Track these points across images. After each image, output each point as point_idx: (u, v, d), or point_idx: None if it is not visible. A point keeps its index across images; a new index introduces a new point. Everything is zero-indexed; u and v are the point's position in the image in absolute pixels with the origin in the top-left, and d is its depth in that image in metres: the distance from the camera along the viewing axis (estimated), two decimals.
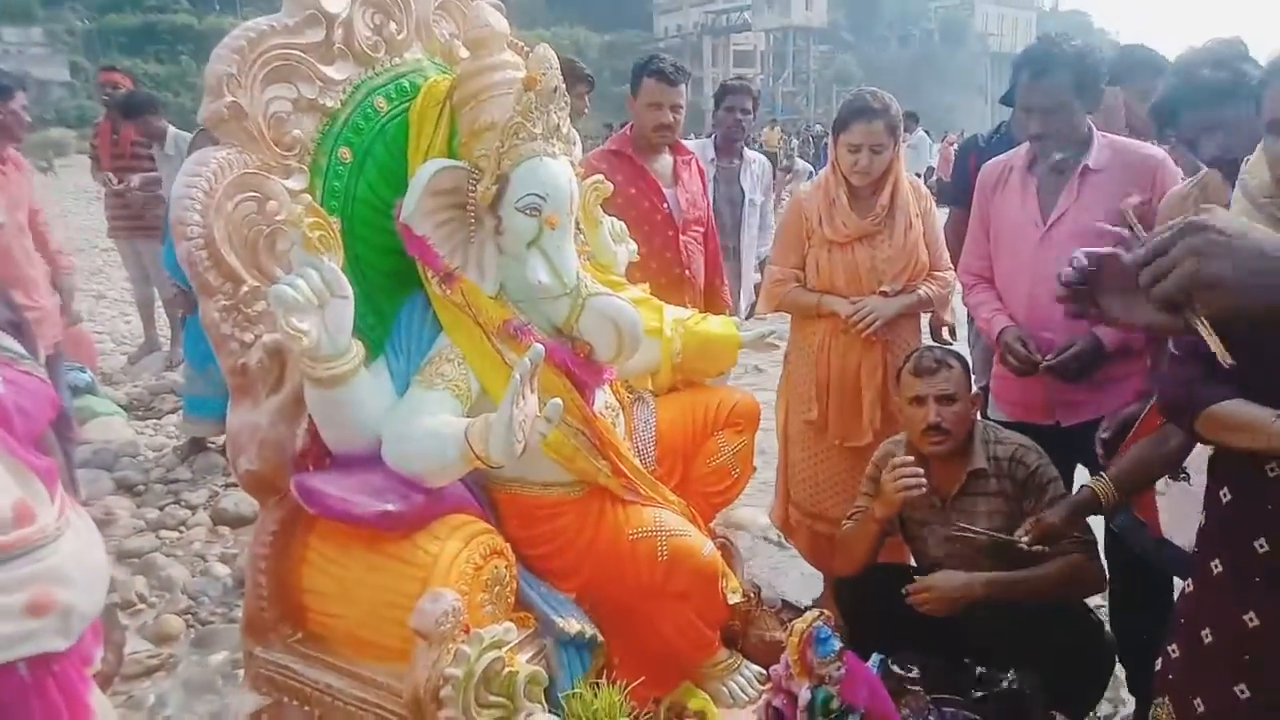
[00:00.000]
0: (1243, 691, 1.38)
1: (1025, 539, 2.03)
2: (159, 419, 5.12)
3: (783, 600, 2.39)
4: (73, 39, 44.33)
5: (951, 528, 2.22)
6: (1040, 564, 2.11)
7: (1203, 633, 1.47)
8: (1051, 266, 2.31)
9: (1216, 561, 1.45)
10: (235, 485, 3.73)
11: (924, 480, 2.15)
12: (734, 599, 2.10)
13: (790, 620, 2.03)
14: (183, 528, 3.73)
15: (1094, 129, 2.40)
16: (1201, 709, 1.45)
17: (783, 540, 3.34)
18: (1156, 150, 2.40)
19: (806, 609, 2.08)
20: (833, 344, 2.80)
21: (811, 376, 2.85)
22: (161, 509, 3.87)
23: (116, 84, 5.81)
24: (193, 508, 3.90)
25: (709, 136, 4.19)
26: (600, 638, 1.96)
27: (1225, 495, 1.43)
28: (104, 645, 1.42)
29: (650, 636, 2.04)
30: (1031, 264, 2.41)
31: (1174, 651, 1.55)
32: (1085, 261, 1.12)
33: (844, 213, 2.73)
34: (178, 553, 3.52)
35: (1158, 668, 1.59)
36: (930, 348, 2.36)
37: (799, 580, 3.28)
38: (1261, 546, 1.36)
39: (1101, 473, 2.01)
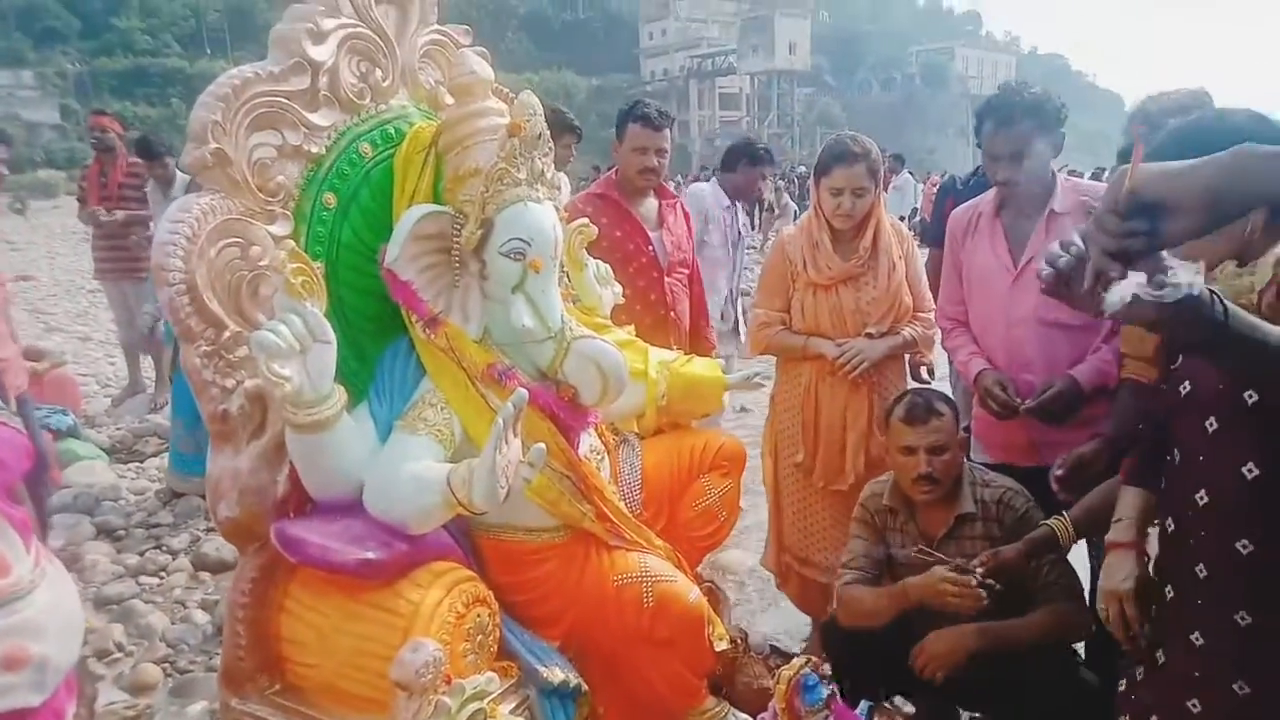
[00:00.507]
0: (1195, 706, 1.49)
1: (979, 570, 2.03)
2: (141, 462, 5.06)
3: (770, 646, 2.36)
4: (64, 82, 44.60)
5: (913, 549, 2.21)
6: (1024, 607, 2.10)
7: (1157, 654, 1.57)
8: (1025, 310, 2.37)
9: (1169, 587, 1.56)
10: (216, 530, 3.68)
11: (984, 602, 2.07)
12: (721, 646, 2.08)
13: (778, 667, 2.01)
14: (163, 573, 3.67)
15: (1055, 174, 2.45)
16: None
17: (772, 583, 3.31)
18: (1099, 185, 2.46)
19: (794, 656, 2.07)
20: (819, 386, 2.80)
21: (799, 419, 2.84)
22: (142, 554, 3.80)
23: (105, 128, 5.84)
24: (174, 553, 3.83)
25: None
26: (585, 687, 1.93)
27: (1170, 525, 1.54)
28: (76, 699, 1.39)
29: (636, 685, 2.01)
30: (1005, 308, 2.44)
31: (1138, 675, 1.63)
32: (1061, 260, 1.13)
33: (827, 255, 2.76)
34: (157, 599, 3.45)
35: (1120, 688, 1.67)
36: (919, 392, 2.37)
37: (786, 625, 3.24)
38: (1201, 571, 1.47)
39: (1063, 511, 2.03)
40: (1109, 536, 1.72)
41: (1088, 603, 2.15)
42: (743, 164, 4.19)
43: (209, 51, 50.39)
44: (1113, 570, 1.67)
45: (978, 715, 2.47)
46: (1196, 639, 1.48)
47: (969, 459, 2.47)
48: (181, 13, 54.57)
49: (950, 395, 2.44)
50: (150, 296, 5.42)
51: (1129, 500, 1.71)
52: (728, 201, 4.14)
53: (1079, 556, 2.21)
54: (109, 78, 45.53)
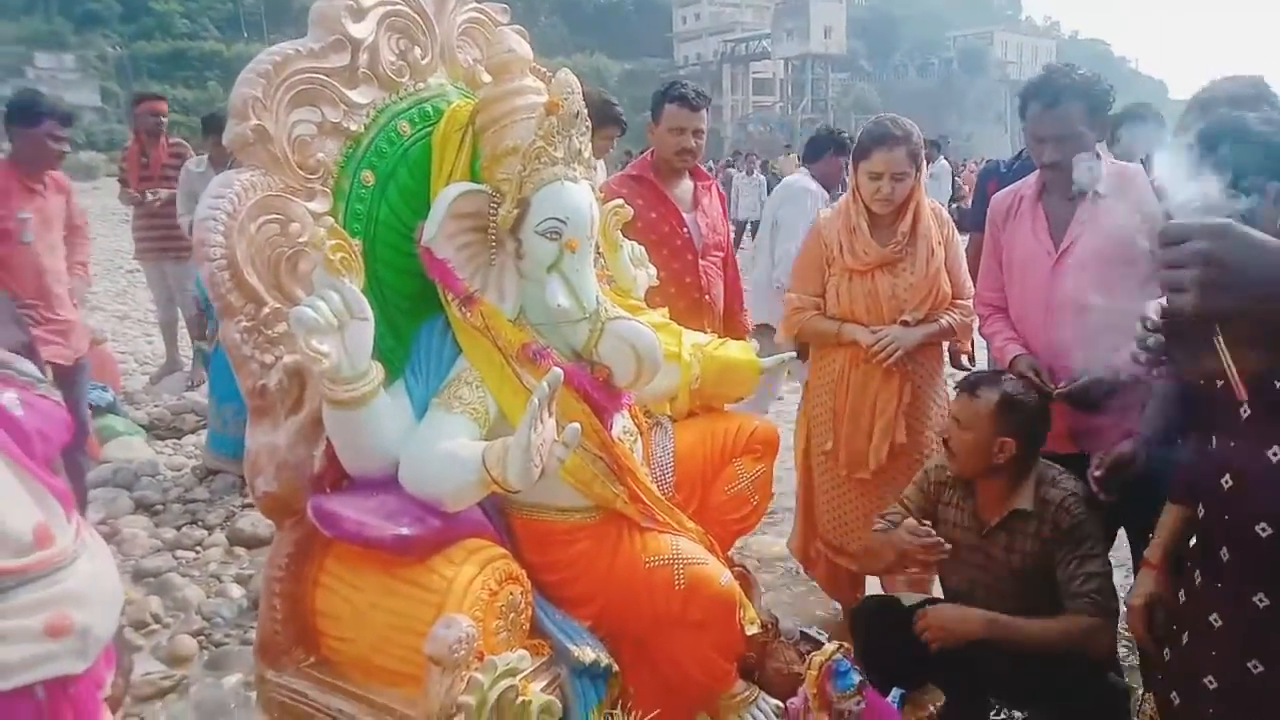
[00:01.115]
0: (1211, 682, 1.52)
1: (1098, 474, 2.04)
2: (179, 439, 5.15)
3: (801, 632, 2.34)
4: (104, 65, 45.26)
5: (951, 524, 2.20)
6: (1057, 610, 2.07)
7: (1182, 636, 1.60)
8: (1065, 295, 2.32)
9: (1196, 572, 1.59)
10: (252, 506, 3.74)
11: (945, 552, 2.12)
12: (751, 630, 2.07)
13: (808, 653, 1.99)
14: (199, 548, 3.74)
15: (1100, 156, 2.39)
16: (1178, 702, 1.60)
17: (800, 570, 3.30)
18: (1132, 166, 2.39)
19: (825, 641, 2.05)
20: (852, 373, 2.76)
21: (830, 406, 2.82)
22: (179, 529, 3.87)
23: (156, 111, 5.89)
24: (209, 528, 3.90)
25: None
26: (615, 667, 1.93)
27: (1200, 511, 1.56)
28: (115, 669, 1.42)
29: (666, 667, 2.01)
30: (1045, 293, 2.40)
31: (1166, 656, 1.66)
32: (1154, 321, 1.13)
33: (865, 240, 2.72)
34: (193, 573, 3.52)
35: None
36: (979, 373, 2.35)
37: (816, 611, 3.23)
38: (1224, 554, 1.52)
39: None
40: (1145, 552, 1.75)
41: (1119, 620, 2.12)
42: (829, 153, 4.24)
43: (246, 35, 50.79)
44: (1135, 586, 1.78)
45: (1012, 713, 2.45)
46: (1215, 620, 1.52)
47: None
48: None
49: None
50: (189, 276, 5.50)
51: (1165, 520, 1.74)
52: (826, 193, 4.09)
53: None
54: (148, 60, 46.09)
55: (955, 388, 2.27)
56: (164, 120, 5.82)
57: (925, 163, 2.81)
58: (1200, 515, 1.58)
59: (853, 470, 2.77)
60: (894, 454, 2.72)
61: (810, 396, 2.95)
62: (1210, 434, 1.53)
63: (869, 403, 2.75)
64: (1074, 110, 2.29)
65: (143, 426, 5.16)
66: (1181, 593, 1.64)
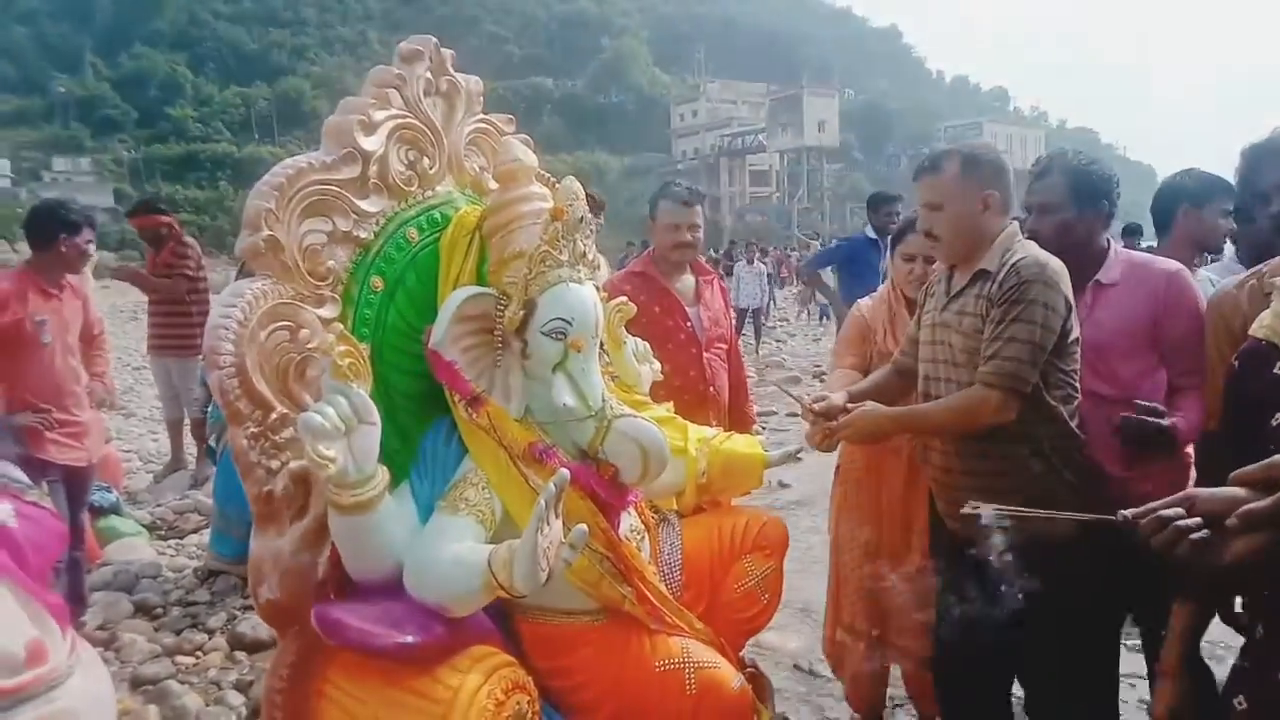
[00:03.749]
0: None
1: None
2: (181, 539, 5.09)
3: None
4: (119, 168, 46.64)
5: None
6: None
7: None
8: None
9: None
10: (254, 608, 3.67)
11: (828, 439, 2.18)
12: None
13: None
14: (199, 653, 3.65)
15: (1111, 244, 2.39)
16: None
17: (812, 669, 3.21)
18: (1170, 263, 2.36)
19: None
20: (883, 459, 2.73)
21: (861, 492, 2.78)
22: (179, 633, 3.79)
23: (143, 227, 6.03)
24: (210, 631, 3.82)
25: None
26: None
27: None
28: None
29: None
30: None
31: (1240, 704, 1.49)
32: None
33: (903, 327, 2.73)
34: (193, 679, 3.43)
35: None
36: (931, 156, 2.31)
37: (829, 712, 3.13)
38: None
39: None
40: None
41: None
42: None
43: (257, 136, 52.54)
44: (1155, 699, 1.71)
45: None
46: None
47: None
48: (233, 101, 57.12)
49: None
50: (195, 375, 5.54)
51: (1177, 621, 1.67)
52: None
53: None
54: (162, 163, 47.54)
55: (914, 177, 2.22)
56: (163, 229, 5.93)
57: None
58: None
59: (895, 565, 2.69)
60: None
61: (840, 482, 2.91)
62: None
63: (899, 489, 2.69)
64: (1055, 183, 2.33)
65: (145, 526, 5.11)
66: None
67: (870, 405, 2.18)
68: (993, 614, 2.05)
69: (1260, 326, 1.49)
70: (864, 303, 2.96)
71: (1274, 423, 1.36)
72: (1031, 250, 2.12)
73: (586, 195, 3.74)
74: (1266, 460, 1.15)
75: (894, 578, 2.64)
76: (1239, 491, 1.17)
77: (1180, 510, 1.18)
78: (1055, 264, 2.07)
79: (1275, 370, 1.41)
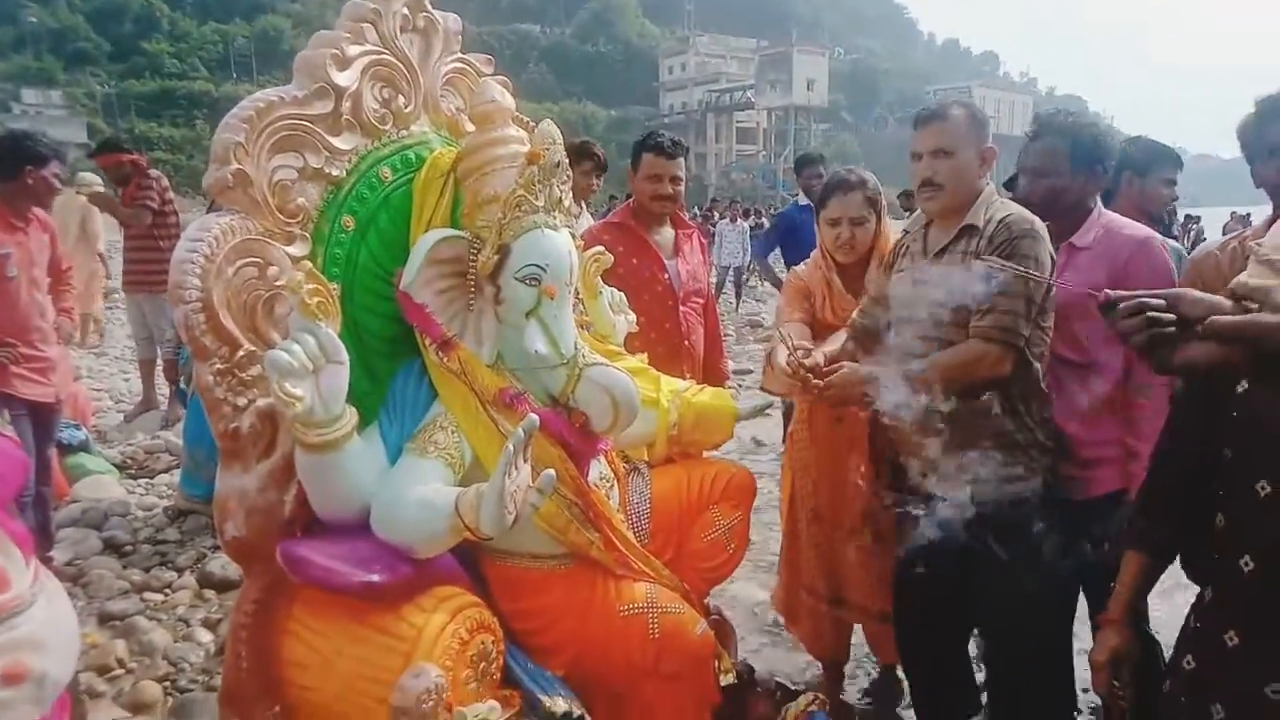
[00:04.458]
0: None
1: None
2: (151, 478, 5.07)
3: (776, 682, 2.32)
4: (92, 102, 45.43)
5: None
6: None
7: (1213, 709, 1.44)
8: None
9: (1231, 634, 1.43)
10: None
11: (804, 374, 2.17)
12: (726, 680, 2.05)
13: (784, 703, 1.98)
14: (168, 590, 3.66)
15: (1099, 208, 2.36)
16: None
17: (780, 620, 3.27)
18: (1141, 231, 2.33)
19: (800, 692, 2.03)
20: (817, 420, 2.75)
21: (811, 457, 2.80)
22: (147, 570, 3.80)
23: (106, 167, 5.89)
24: (180, 570, 3.82)
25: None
26: (588, 718, 1.90)
27: (1247, 564, 1.40)
28: (69, 716, 1.39)
29: (639, 718, 1.98)
30: None
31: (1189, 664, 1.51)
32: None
33: (839, 296, 2.73)
34: (161, 616, 3.44)
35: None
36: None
37: (792, 663, 3.20)
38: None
39: None
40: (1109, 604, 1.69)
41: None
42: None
43: (235, 76, 51.29)
44: (1097, 642, 1.68)
45: None
46: (1231, 638, 1.41)
47: None
48: (210, 38, 55.64)
49: None
50: (166, 313, 5.47)
51: (1126, 571, 1.65)
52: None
53: None
54: (136, 99, 46.36)
55: (914, 124, 2.21)
56: (127, 166, 5.80)
57: (885, 210, 2.82)
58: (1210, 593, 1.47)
59: (837, 525, 2.73)
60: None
61: (793, 445, 2.93)
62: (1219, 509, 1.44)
63: (839, 456, 2.70)
64: (1054, 146, 2.28)
65: (115, 465, 5.09)
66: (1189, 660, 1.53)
67: (850, 366, 2.18)
68: (952, 565, 2.09)
69: (1234, 285, 1.50)
70: (798, 269, 2.93)
71: (1239, 389, 1.37)
72: (1013, 207, 2.13)
73: (589, 152, 3.73)
74: (1269, 284, 1.14)
75: (846, 538, 2.69)
76: (1224, 302, 1.16)
77: (1162, 302, 1.17)
78: (1039, 220, 2.08)
79: None
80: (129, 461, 5.27)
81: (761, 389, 2.75)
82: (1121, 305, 1.19)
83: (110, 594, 3.55)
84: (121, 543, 4.04)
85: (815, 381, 2.18)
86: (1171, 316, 1.16)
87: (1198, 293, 1.19)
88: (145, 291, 5.85)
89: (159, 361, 6.09)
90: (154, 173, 5.89)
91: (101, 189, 5.82)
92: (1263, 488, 1.33)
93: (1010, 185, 3.21)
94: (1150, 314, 1.16)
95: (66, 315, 3.92)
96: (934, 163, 2.14)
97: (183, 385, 5.31)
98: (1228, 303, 1.16)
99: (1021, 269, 1.87)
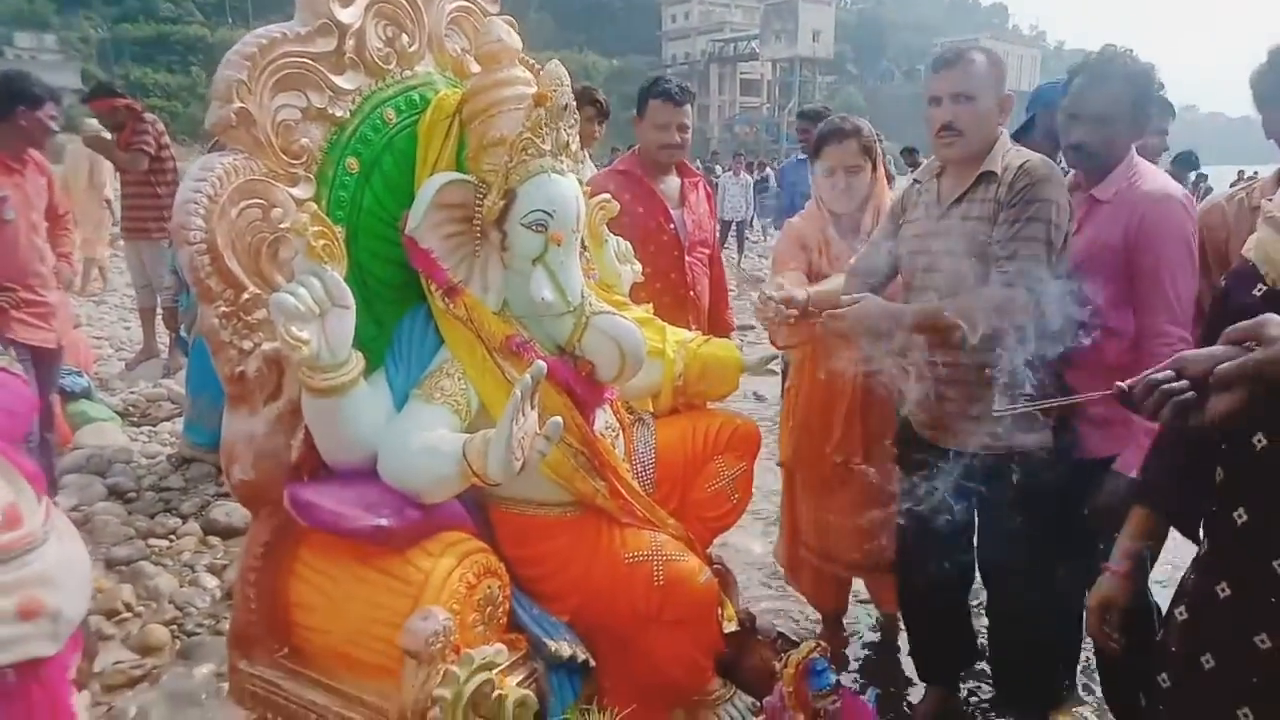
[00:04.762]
0: (1246, 715, 1.37)
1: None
2: (154, 426, 5.08)
3: (778, 631, 2.34)
4: (86, 46, 44.62)
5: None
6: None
7: (1203, 659, 1.45)
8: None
9: (1223, 585, 1.44)
10: (227, 495, 3.70)
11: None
12: (729, 628, 2.07)
13: (785, 651, 2.00)
14: (172, 537, 3.69)
15: (1131, 156, 2.22)
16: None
17: (780, 572, 3.30)
18: (1160, 188, 2.17)
19: (801, 640, 2.05)
20: (806, 371, 2.74)
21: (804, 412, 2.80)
22: (152, 517, 3.82)
23: (100, 112, 5.79)
24: (184, 517, 3.85)
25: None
26: (592, 663, 1.92)
27: (1240, 516, 1.41)
28: (80, 653, 1.40)
29: (643, 664, 2.00)
30: None
31: (1165, 681, 1.52)
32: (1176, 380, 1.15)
33: (836, 246, 2.70)
34: (166, 562, 3.47)
35: (1144, 702, 1.59)
36: (951, 47, 2.24)
37: (794, 614, 3.24)
38: None
39: None
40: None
41: None
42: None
43: (231, 20, 50.28)
44: (1096, 587, 1.68)
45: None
46: (1263, 642, 1.39)
47: None
48: None
49: None
50: (165, 261, 5.43)
51: (1131, 523, 1.65)
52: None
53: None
54: (131, 44, 45.49)
55: (934, 67, 2.14)
56: (121, 111, 5.70)
57: (880, 158, 2.78)
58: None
59: (807, 477, 2.74)
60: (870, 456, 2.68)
61: (790, 400, 2.93)
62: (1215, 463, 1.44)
63: (820, 399, 2.71)
64: (1118, 92, 2.14)
65: (117, 413, 5.09)
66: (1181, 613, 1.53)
67: (870, 297, 2.13)
68: (957, 521, 2.10)
69: (1249, 248, 1.48)
70: (794, 220, 2.90)
71: (1249, 348, 1.37)
72: (1029, 154, 2.09)
73: (592, 98, 3.65)
74: (1254, 319, 1.14)
75: (825, 491, 2.71)
76: (1218, 350, 1.17)
77: (1171, 374, 1.18)
78: (1056, 166, 2.05)
79: (1254, 293, 1.41)
80: (131, 409, 5.28)
81: (772, 344, 2.75)
82: (1134, 391, 1.20)
83: (116, 540, 3.58)
84: (125, 489, 4.06)
85: (817, 313, 2.14)
86: (1184, 383, 1.17)
87: (1194, 351, 1.21)
88: (144, 238, 5.81)
89: (159, 309, 6.07)
90: (149, 117, 5.80)
91: (103, 133, 5.72)
92: (1259, 440, 1.33)
93: (1019, 136, 3.17)
94: (1164, 388, 1.17)
95: (65, 260, 3.89)
96: (955, 107, 2.09)
97: (183, 333, 5.28)
98: (1220, 351, 1.17)
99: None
